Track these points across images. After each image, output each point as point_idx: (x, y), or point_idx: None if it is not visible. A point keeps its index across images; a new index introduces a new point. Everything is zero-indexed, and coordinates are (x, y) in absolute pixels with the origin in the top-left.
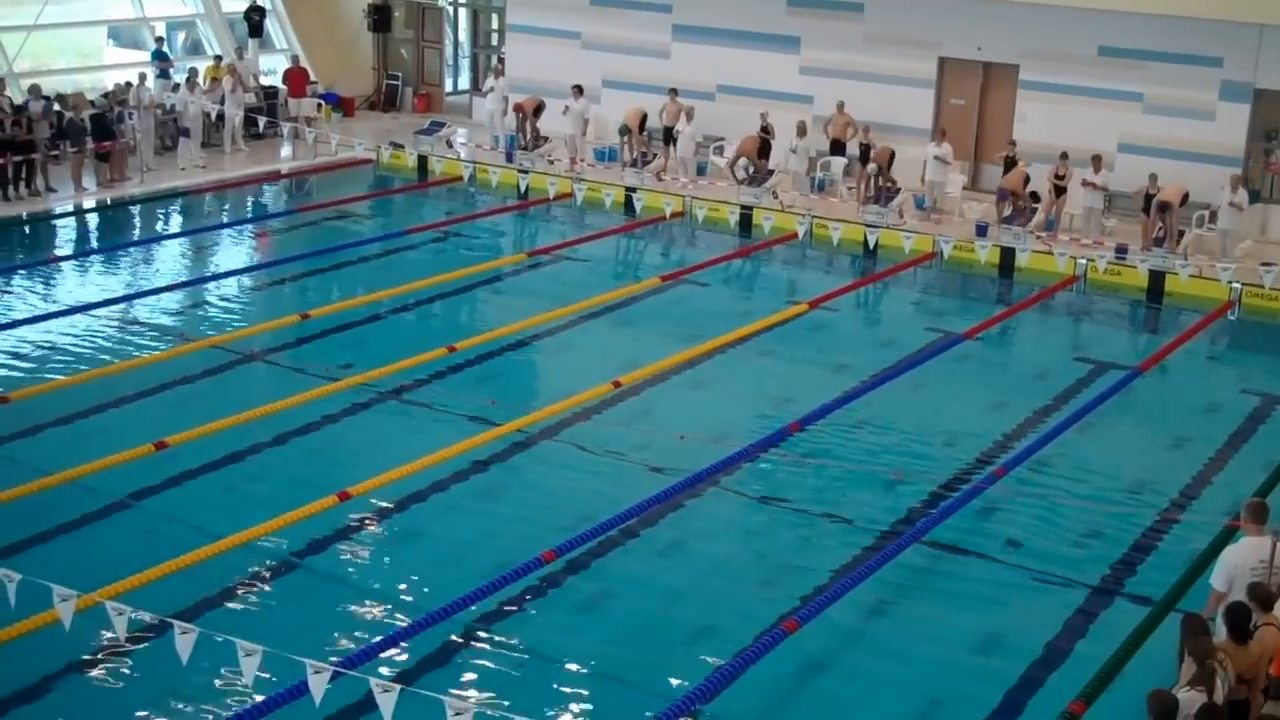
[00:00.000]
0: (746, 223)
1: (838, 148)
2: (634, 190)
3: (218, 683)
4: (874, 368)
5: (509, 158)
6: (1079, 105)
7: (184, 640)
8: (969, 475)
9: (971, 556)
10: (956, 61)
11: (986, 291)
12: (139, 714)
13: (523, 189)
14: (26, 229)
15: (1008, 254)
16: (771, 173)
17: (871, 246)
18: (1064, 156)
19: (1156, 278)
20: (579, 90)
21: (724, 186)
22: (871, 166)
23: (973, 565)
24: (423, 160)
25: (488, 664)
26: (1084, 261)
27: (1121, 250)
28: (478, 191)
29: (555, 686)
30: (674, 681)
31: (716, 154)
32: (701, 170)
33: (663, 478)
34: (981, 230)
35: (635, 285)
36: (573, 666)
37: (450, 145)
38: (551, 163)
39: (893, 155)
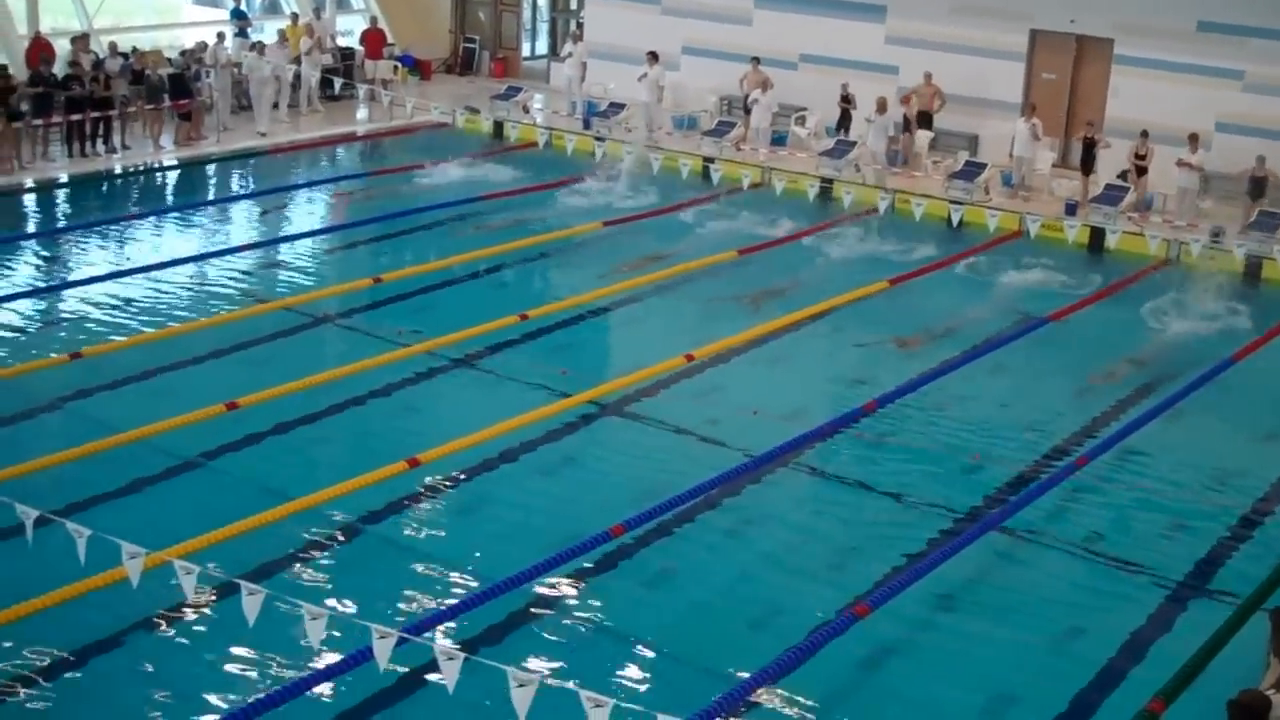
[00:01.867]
0: (826, 195)
1: (924, 120)
2: (712, 160)
3: (284, 645)
4: (954, 348)
5: (585, 124)
6: (1175, 82)
7: (251, 601)
8: (1050, 462)
9: (1050, 546)
10: (1049, 34)
11: (1074, 273)
12: (205, 674)
13: (598, 157)
14: (103, 186)
15: (1097, 234)
16: (853, 144)
17: (955, 223)
18: (1144, 135)
19: (1253, 263)
20: (654, 57)
21: (803, 158)
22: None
23: (1051, 555)
24: (498, 125)
25: (552, 636)
26: (1177, 244)
27: (1217, 233)
28: (553, 158)
29: (619, 662)
30: (740, 662)
31: (798, 124)
32: (781, 141)
33: (733, 454)
34: (1071, 209)
35: (711, 258)
36: (637, 643)
37: (526, 110)
38: (629, 130)
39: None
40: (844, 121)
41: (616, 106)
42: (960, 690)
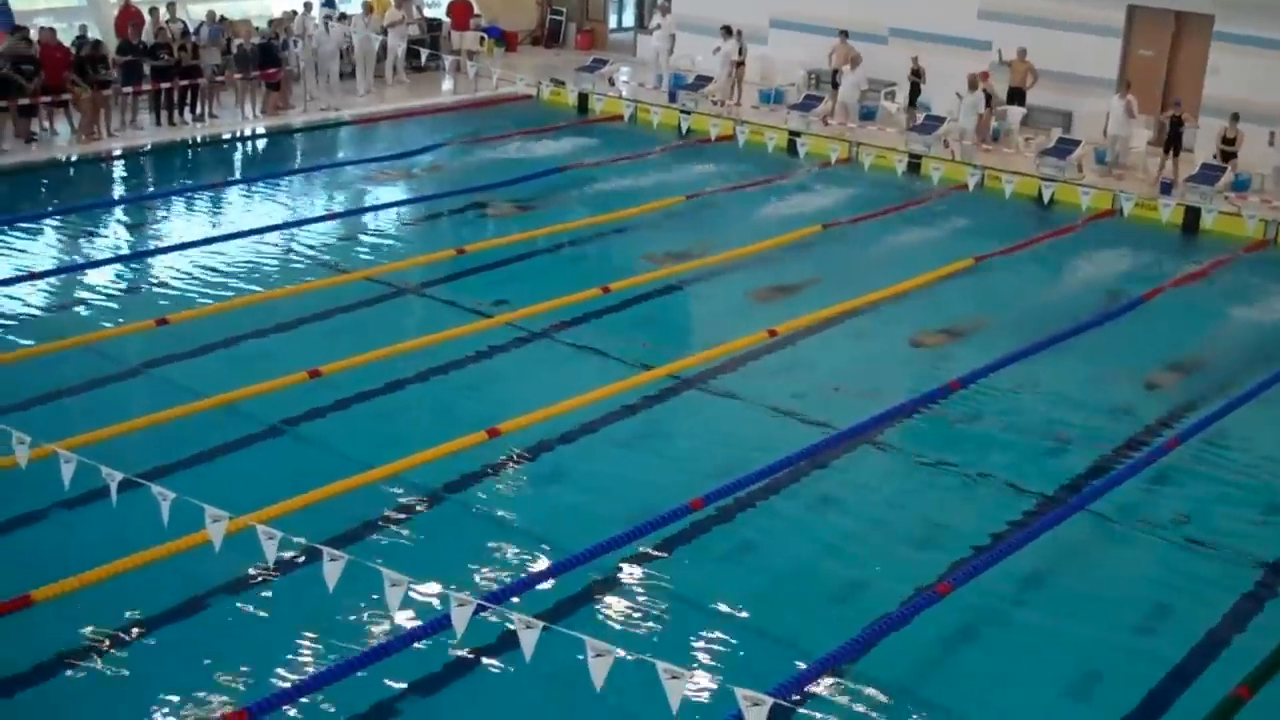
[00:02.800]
0: (914, 171)
1: (1016, 96)
2: (798, 134)
3: (363, 611)
4: (1041, 327)
5: (671, 97)
6: (1277, 59)
7: (332, 568)
8: (1140, 443)
9: (1137, 528)
10: (1147, 10)
11: (1167, 253)
12: (285, 639)
13: (684, 130)
14: (191, 154)
15: (1192, 214)
16: (941, 120)
17: (1046, 201)
18: (1234, 118)
19: None
20: (728, 31)
21: (892, 133)
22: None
23: (1137, 538)
24: (583, 98)
25: (630, 608)
26: (1275, 225)
27: None
28: (638, 131)
29: (698, 635)
30: (818, 637)
31: (887, 99)
32: (869, 115)
33: (815, 430)
34: (1165, 188)
35: (796, 232)
36: (716, 616)
37: (612, 83)
38: (716, 104)
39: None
40: (914, 95)
41: (703, 79)
42: (1043, 669)
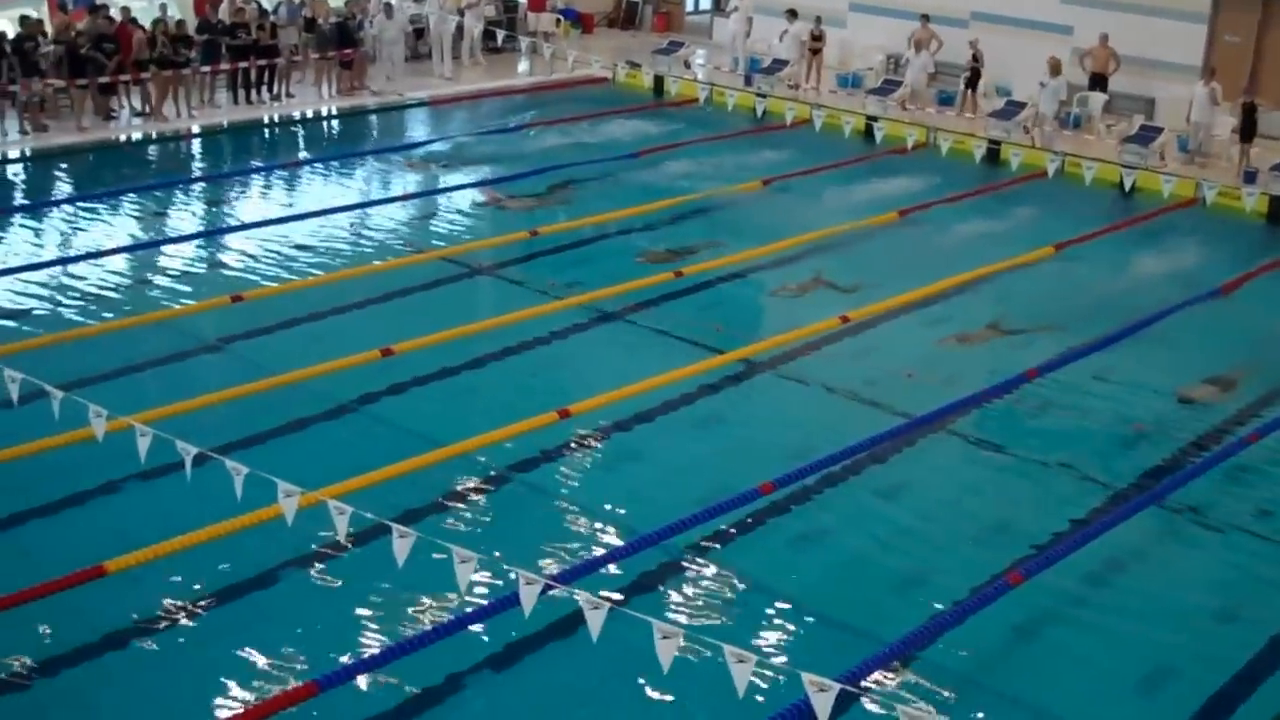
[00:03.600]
0: (993, 157)
1: (1098, 82)
2: (875, 119)
3: (431, 588)
4: (1120, 317)
5: (747, 81)
6: None
7: (401, 544)
8: (1218, 436)
9: (1214, 521)
10: None
11: (1251, 243)
12: (355, 612)
13: (759, 113)
14: (267, 134)
15: (1277, 204)
16: (1021, 105)
17: (1127, 189)
18: None
19: None
20: (793, 14)
21: (970, 118)
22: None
23: (1214, 531)
24: (659, 80)
25: (697, 591)
26: None
27: None
28: (713, 114)
29: (765, 620)
30: (886, 625)
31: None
32: (948, 100)
33: (887, 416)
34: (1249, 177)
35: (871, 218)
36: (784, 601)
37: (688, 66)
38: (792, 87)
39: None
40: (972, 81)
41: (780, 63)
42: (1114, 663)
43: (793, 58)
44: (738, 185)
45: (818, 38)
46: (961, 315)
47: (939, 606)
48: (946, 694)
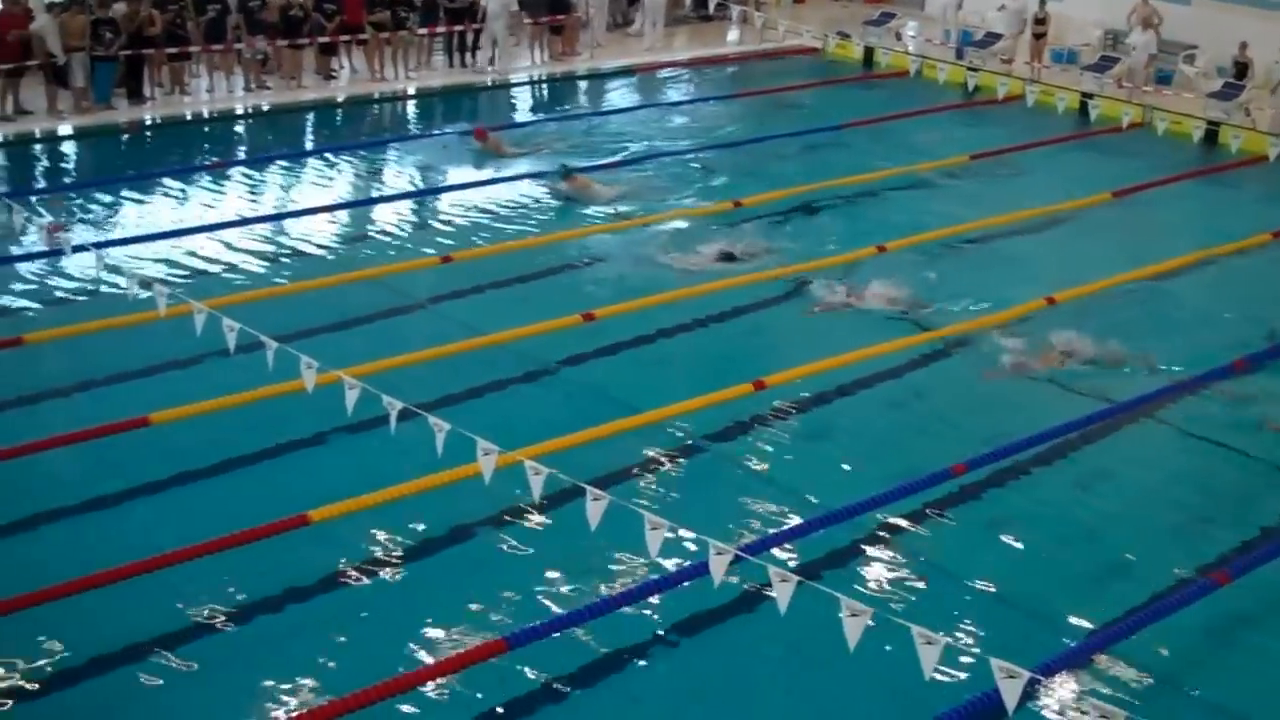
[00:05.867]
0: (1211, 140)
1: None
2: (1090, 96)
3: (621, 552)
4: None
5: (959, 54)
6: None
7: (595, 507)
8: None
9: None
10: None
11: None
12: (545, 574)
13: (970, 88)
14: (477, 98)
15: None
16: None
17: None
18: None
19: None
20: None
21: (1190, 99)
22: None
23: None
24: (869, 52)
25: (886, 570)
26: None
27: None
28: (923, 87)
29: (953, 603)
30: (1078, 615)
31: (1186, 63)
32: (1166, 79)
33: (1089, 401)
34: None
35: (1082, 199)
36: (973, 585)
37: (899, 38)
38: (1005, 61)
39: None
40: (1240, 75)
41: (993, 36)
42: None
43: (1008, 32)
44: (945, 160)
45: (1041, 21)
46: (1172, 303)
47: (1134, 600)
48: (1139, 690)
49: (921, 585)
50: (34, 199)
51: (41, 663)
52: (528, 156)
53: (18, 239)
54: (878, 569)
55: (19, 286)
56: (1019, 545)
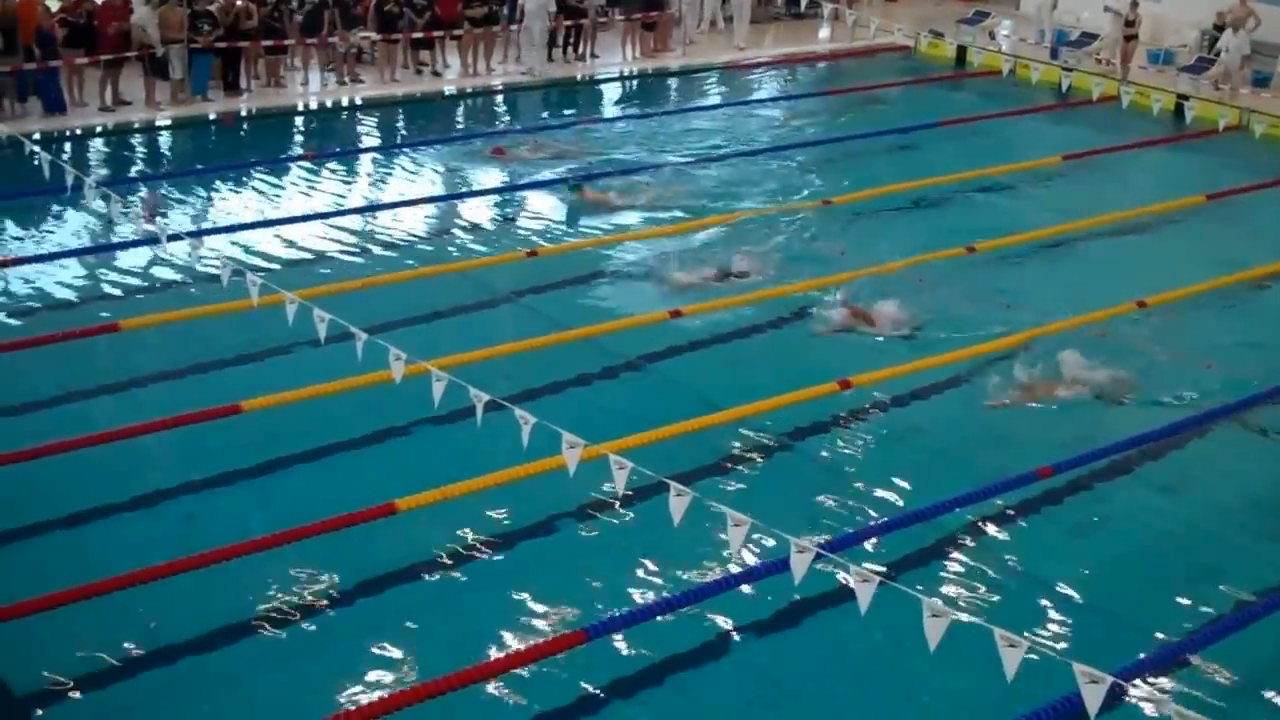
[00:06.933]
0: None
1: None
2: (1186, 98)
3: (703, 548)
4: None
5: (1053, 54)
6: None
7: (678, 502)
8: None
9: None
10: None
11: None
12: (627, 567)
13: (1064, 88)
14: (574, 92)
15: None
16: None
17: None
18: None
19: None
20: None
21: None
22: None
23: None
24: (961, 51)
25: (969, 572)
26: None
27: None
28: (1016, 87)
29: (1035, 607)
30: (1164, 623)
31: None
32: (1264, 81)
33: (1177, 408)
34: None
35: (1175, 201)
36: (1056, 589)
37: (992, 37)
38: (1100, 62)
39: None
40: None
41: (1088, 36)
42: None
43: (1107, 32)
44: (1037, 160)
45: (1131, 23)
46: (1268, 306)
47: (1219, 608)
48: (1220, 699)
49: (1003, 587)
50: (131, 188)
51: (130, 645)
52: (614, 152)
53: (115, 228)
54: (960, 571)
55: (116, 274)
56: (1104, 549)
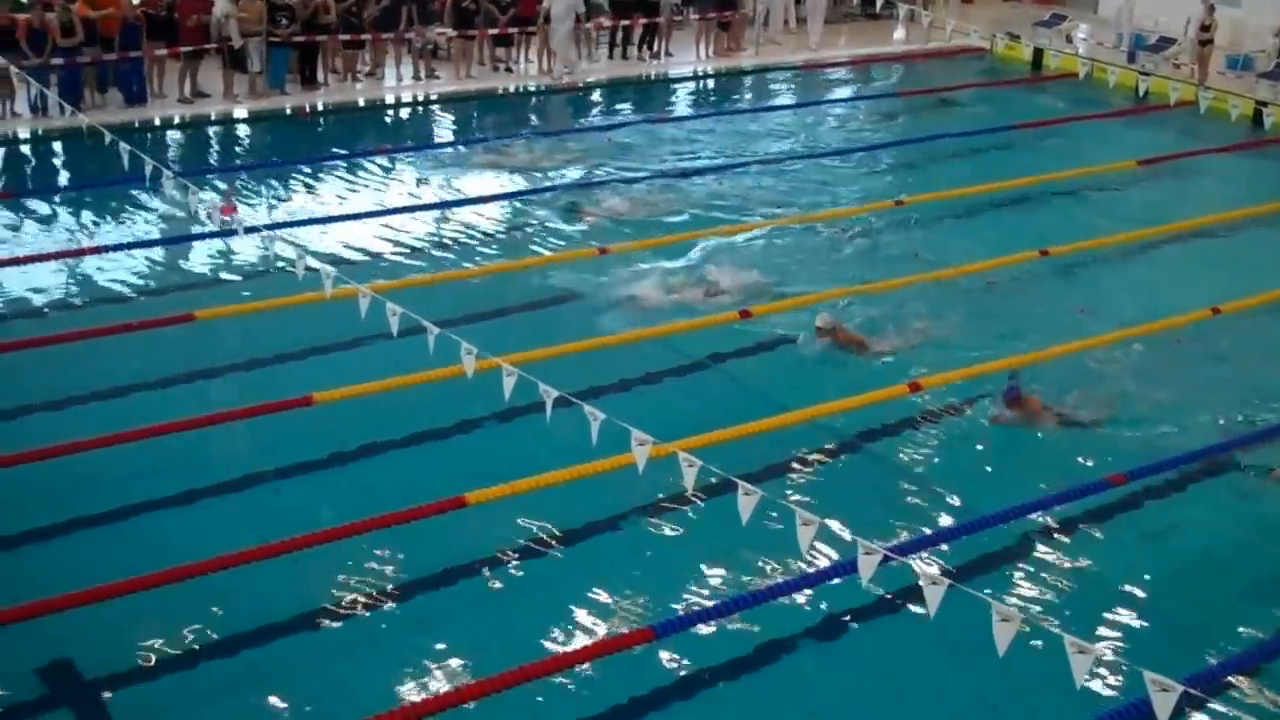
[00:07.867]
0: None
1: None
2: (1265, 104)
3: (770, 548)
4: None
5: (1131, 58)
6: None
7: (746, 501)
8: None
9: None
10: None
11: None
12: (694, 565)
13: (1141, 92)
14: (645, 90)
15: None
16: None
17: None
18: None
19: None
20: None
21: None
22: None
23: None
24: (1038, 53)
25: (1037, 577)
26: None
27: None
28: (1092, 90)
29: (1106, 613)
30: (1233, 633)
31: None
32: None
33: (1254, 412)
34: None
35: (1255, 207)
36: (1128, 596)
37: (1069, 40)
38: (1177, 66)
39: None
40: None
41: (1166, 40)
42: None
43: (1193, 37)
44: (1113, 164)
45: (1206, 28)
46: None
47: None
48: None
49: (1074, 593)
50: (208, 180)
51: (196, 632)
52: (684, 151)
53: (192, 219)
54: (1029, 576)
55: (191, 265)
56: (1176, 557)
